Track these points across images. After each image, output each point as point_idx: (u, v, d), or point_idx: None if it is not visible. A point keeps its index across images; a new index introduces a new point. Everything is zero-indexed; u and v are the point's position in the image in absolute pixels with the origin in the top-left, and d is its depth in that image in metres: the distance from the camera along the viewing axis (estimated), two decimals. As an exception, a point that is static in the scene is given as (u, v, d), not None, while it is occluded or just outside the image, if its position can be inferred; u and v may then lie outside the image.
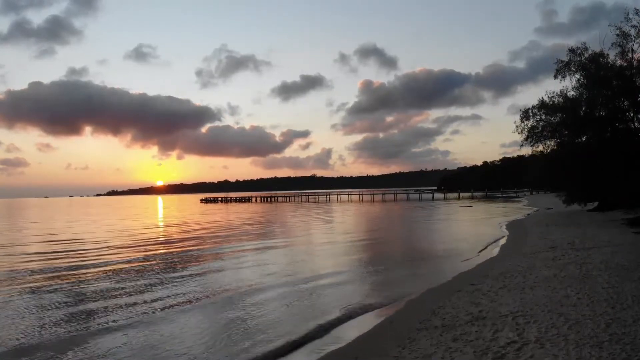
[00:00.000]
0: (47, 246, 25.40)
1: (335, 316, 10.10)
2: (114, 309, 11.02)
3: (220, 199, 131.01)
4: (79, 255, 20.88)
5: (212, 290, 12.83)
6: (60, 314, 10.66)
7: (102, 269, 17.00)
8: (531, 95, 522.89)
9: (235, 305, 11.18)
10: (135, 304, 11.46)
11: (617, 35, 27.41)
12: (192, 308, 11.02)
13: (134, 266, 17.52)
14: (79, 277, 15.32)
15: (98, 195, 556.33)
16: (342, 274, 15.10)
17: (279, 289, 12.88)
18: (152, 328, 9.48)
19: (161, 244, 25.85)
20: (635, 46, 27.66)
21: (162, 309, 10.87)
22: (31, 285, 14.19)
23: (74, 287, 13.69)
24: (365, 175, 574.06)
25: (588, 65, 29.98)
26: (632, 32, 27.09)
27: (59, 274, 16.07)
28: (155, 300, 11.84)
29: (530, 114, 33.75)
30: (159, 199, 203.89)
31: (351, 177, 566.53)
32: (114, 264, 18.02)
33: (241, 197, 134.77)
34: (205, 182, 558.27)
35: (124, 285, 13.87)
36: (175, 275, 15.27)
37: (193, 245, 24.12)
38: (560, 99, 31.82)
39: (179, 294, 12.42)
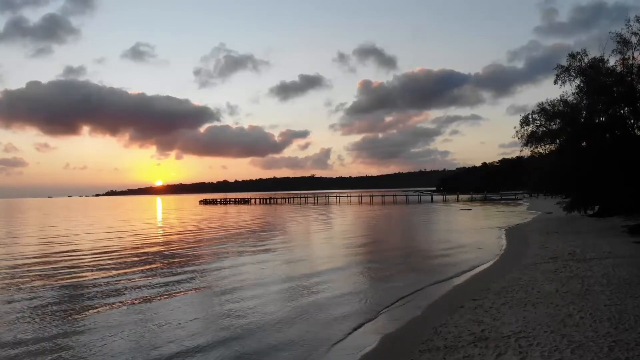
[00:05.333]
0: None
1: (334, 334, 10.03)
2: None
3: (219, 200, 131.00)
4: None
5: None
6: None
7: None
8: (530, 95, 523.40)
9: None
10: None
11: (618, 42, 27.41)
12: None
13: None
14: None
15: (97, 195, 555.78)
16: (341, 283, 15.10)
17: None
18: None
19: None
20: (636, 54, 27.68)
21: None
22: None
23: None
24: (365, 175, 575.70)
25: (588, 71, 29.96)
26: (633, 39, 27.10)
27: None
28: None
29: (530, 119, 33.74)
30: (158, 200, 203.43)
31: (350, 177, 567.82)
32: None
33: (240, 199, 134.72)
34: (204, 182, 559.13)
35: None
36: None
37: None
38: (560, 106, 31.82)
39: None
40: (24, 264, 21.03)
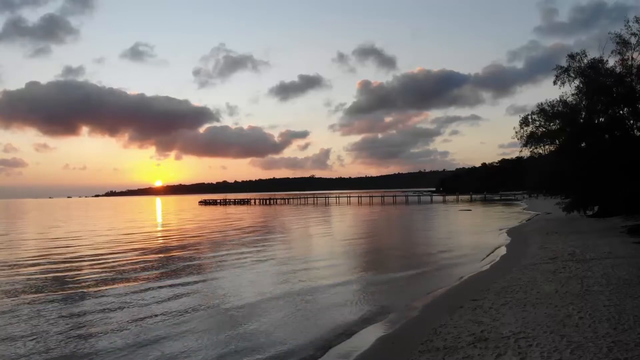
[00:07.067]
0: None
1: (332, 333, 10.06)
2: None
3: (219, 201, 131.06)
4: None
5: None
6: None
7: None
8: (530, 95, 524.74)
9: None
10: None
11: (617, 43, 27.48)
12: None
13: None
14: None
15: (97, 196, 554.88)
16: (342, 285, 15.10)
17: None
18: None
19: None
20: (635, 54, 27.75)
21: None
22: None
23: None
24: (364, 175, 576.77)
25: (587, 72, 30.03)
26: (632, 40, 27.18)
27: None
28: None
29: (530, 120, 33.83)
30: (158, 201, 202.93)
31: (350, 177, 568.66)
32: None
33: (240, 200, 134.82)
34: (204, 183, 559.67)
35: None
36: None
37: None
38: (560, 107, 31.90)
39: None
40: (24, 270, 20.97)
